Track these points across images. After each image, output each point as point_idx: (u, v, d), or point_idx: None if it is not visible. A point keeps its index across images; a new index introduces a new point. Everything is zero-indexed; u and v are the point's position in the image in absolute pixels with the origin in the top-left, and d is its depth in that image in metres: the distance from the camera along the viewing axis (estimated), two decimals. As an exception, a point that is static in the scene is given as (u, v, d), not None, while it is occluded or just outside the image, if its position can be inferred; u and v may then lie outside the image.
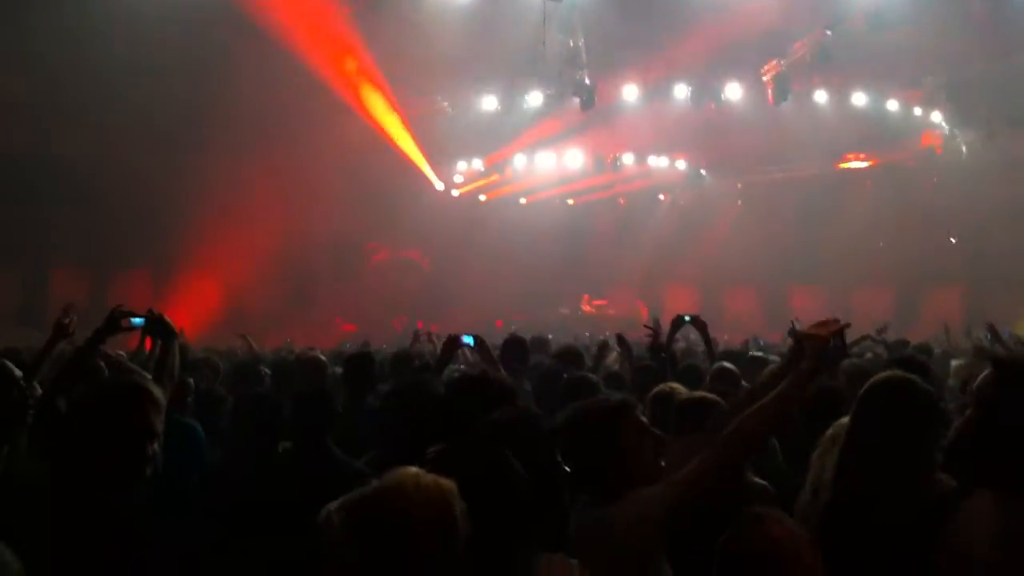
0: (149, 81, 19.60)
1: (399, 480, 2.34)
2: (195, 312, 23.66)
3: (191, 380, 6.17)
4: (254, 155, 23.69)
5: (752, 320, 28.00)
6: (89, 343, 4.55)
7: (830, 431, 3.71)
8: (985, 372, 2.83)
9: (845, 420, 3.57)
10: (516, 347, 7.43)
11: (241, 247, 24.40)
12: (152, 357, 5.57)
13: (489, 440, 2.89)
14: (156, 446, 3.34)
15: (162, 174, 23.21)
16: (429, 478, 2.36)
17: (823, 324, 3.37)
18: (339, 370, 7.48)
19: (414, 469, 2.40)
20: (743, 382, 6.11)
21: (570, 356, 7.58)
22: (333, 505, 2.30)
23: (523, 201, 32.74)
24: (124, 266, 24.98)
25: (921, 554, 2.80)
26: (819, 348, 3.28)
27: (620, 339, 8.34)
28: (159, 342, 4.83)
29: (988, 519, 2.70)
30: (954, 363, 7.50)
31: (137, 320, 4.74)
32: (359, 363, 6.71)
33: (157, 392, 3.51)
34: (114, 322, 4.61)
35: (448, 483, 2.36)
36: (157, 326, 4.73)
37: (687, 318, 7.07)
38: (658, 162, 30.96)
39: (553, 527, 2.98)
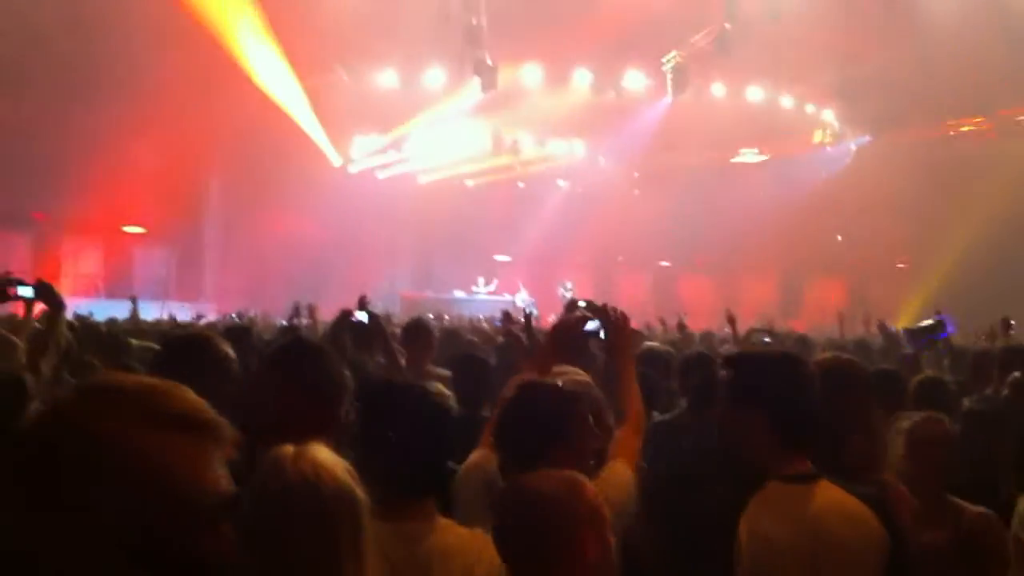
0: (37, 33, 18.94)
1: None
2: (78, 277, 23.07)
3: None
4: (145, 118, 23.10)
5: (645, 305, 28.42)
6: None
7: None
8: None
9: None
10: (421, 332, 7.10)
11: (127, 211, 23.84)
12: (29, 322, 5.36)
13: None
14: None
15: (46, 131, 22.46)
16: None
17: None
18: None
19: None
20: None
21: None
22: None
23: (421, 180, 32.48)
24: (2, 227, 23.98)
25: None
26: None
27: (506, 316, 8.22)
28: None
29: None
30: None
31: (25, 290, 4.57)
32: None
33: None
34: (1, 291, 4.43)
35: None
36: (46, 296, 4.56)
37: (581, 303, 7.03)
38: (557, 146, 31.05)
39: None
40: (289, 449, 2.11)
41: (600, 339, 4.37)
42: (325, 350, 3.18)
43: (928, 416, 3.93)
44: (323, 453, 2.14)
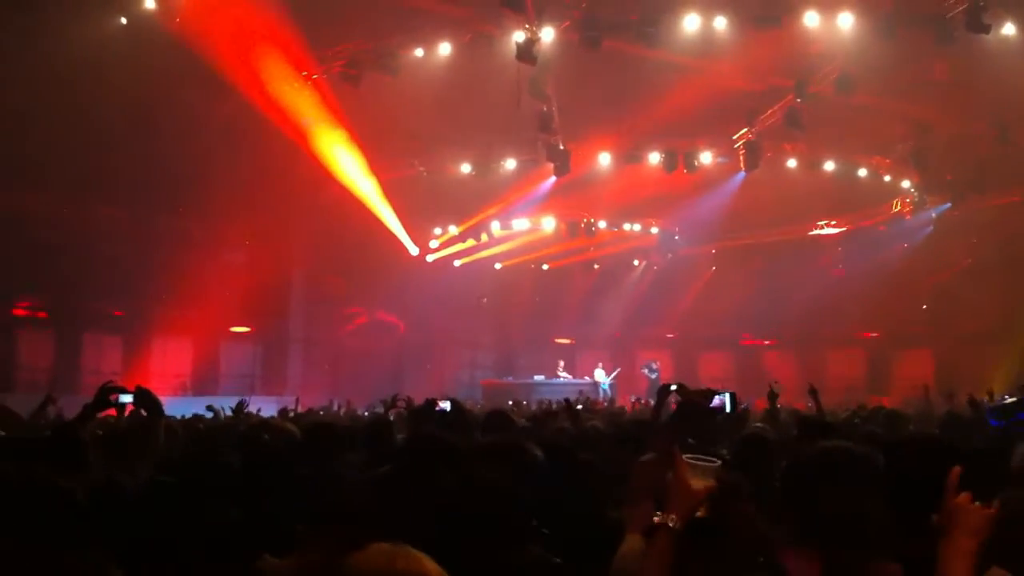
0: (126, 141, 19.62)
1: None
2: (166, 376, 23.56)
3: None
4: (230, 218, 23.75)
5: (727, 384, 28.05)
6: (80, 419, 4.50)
7: None
8: None
9: None
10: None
11: (214, 309, 24.37)
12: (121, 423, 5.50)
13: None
14: None
15: (135, 234, 23.17)
16: None
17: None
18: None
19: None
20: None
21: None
22: None
23: (498, 266, 32.77)
24: (94, 327, 24.60)
25: None
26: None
27: (567, 404, 8.20)
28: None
29: None
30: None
31: (125, 396, 4.72)
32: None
33: None
34: (103, 398, 4.57)
35: None
36: (144, 401, 4.69)
37: (673, 387, 6.94)
38: (632, 227, 31.10)
39: None
40: (386, 547, 2.23)
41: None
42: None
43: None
44: (415, 552, 2.26)
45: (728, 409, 5.19)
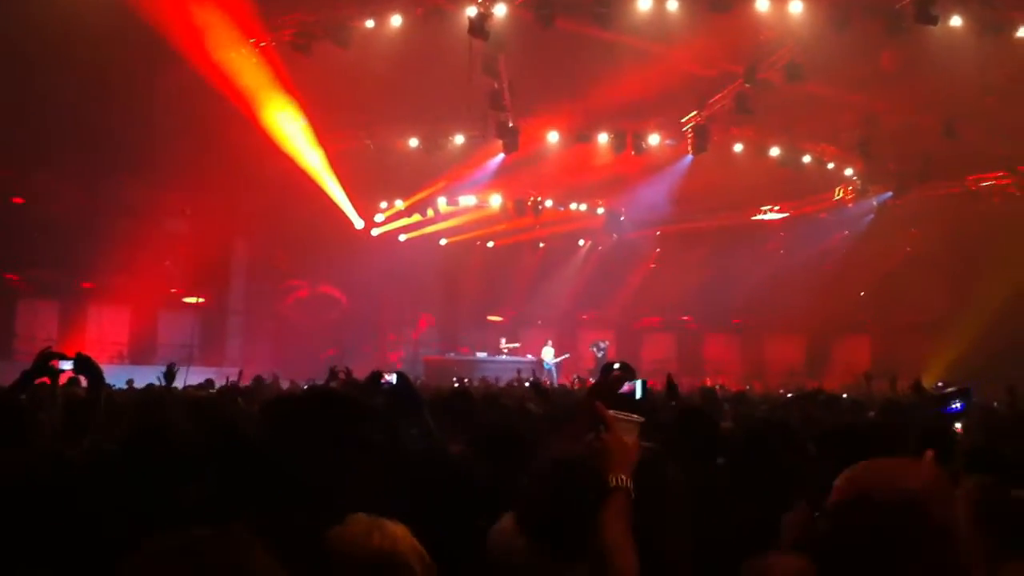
0: (67, 105, 19.23)
1: None
2: (103, 343, 23.23)
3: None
4: (172, 186, 23.38)
5: (668, 366, 28.28)
6: (18, 384, 4.40)
7: None
8: None
9: None
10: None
11: (153, 277, 24.04)
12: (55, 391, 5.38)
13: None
14: None
15: (74, 199, 22.75)
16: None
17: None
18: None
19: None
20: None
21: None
22: None
23: (443, 242, 32.64)
24: (29, 293, 24.13)
25: None
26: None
27: (535, 384, 8.19)
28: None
29: None
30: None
31: (66, 363, 4.64)
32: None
33: None
34: (43, 364, 4.48)
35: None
36: (85, 368, 4.61)
37: (616, 365, 6.94)
38: (578, 207, 31.13)
39: None
40: (365, 519, 2.23)
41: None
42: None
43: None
44: (394, 526, 2.31)
45: (639, 396, 5.13)
